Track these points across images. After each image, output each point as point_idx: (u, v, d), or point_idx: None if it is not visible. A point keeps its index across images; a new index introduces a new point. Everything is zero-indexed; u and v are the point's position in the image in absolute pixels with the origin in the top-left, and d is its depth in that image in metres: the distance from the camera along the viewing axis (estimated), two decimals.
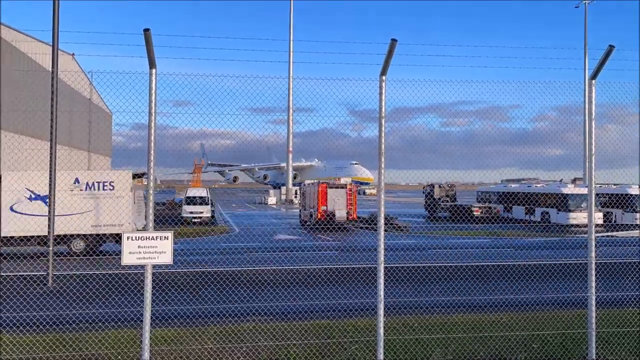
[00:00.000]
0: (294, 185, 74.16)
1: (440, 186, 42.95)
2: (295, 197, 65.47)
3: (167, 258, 6.97)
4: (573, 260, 17.46)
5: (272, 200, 65.32)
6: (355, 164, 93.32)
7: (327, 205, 31.73)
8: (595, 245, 7.59)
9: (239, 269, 16.29)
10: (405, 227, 31.03)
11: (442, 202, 42.36)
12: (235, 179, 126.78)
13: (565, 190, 35.04)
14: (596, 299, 7.47)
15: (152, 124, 7.32)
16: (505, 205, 40.75)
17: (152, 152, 7.34)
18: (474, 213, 38.12)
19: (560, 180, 38.13)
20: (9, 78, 33.35)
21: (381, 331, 7.14)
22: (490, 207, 39.60)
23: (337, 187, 32.71)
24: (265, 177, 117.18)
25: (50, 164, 14.42)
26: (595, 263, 7.49)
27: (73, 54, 42.56)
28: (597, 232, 7.16)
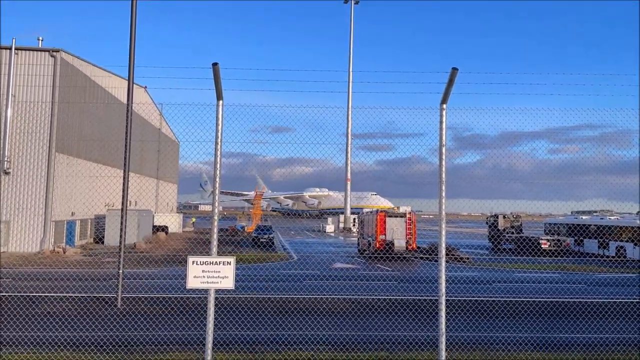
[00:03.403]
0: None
1: (505, 217, 41.38)
2: (354, 225, 65.28)
3: (229, 283, 7.14)
4: None
5: (330, 228, 65.42)
6: (374, 194, 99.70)
7: (385, 235, 31.33)
8: None
9: (298, 296, 16.32)
10: (467, 258, 30.01)
11: (507, 233, 40.72)
12: (267, 207, 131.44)
13: None
14: None
15: (218, 153, 7.62)
16: (576, 238, 38.58)
17: (217, 179, 7.63)
18: (542, 246, 36.26)
19: (638, 212, 35.68)
20: (88, 111, 35.91)
21: None
22: (559, 240, 37.55)
23: (396, 216, 32.23)
24: (294, 205, 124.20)
25: (123, 191, 15.26)
26: None
27: (145, 87, 45.27)
28: None
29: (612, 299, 17.38)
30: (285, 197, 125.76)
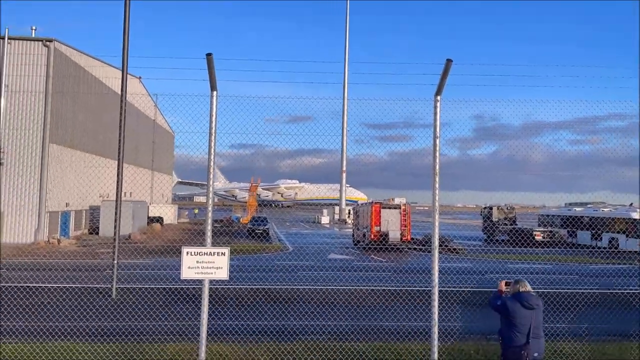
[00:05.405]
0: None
1: (499, 208, 41.60)
2: (349, 216, 65.51)
3: (223, 274, 7.18)
4: None
5: (325, 219, 65.59)
6: (349, 186, 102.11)
7: (380, 226, 31.44)
8: None
9: (293, 287, 16.41)
10: (461, 249, 30.20)
11: (501, 225, 40.96)
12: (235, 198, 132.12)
13: (636, 215, 33.01)
14: None
15: (212, 144, 7.62)
16: (570, 229, 38.87)
17: (211, 171, 7.65)
18: (536, 237, 36.52)
19: (630, 205, 35.94)
20: (82, 101, 35.68)
21: (435, 356, 7.00)
22: (553, 232, 37.83)
23: (390, 208, 32.32)
24: (273, 196, 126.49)
25: (118, 182, 15.24)
26: None
27: (140, 77, 45.01)
28: None
29: (604, 290, 17.55)
30: (263, 189, 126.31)
